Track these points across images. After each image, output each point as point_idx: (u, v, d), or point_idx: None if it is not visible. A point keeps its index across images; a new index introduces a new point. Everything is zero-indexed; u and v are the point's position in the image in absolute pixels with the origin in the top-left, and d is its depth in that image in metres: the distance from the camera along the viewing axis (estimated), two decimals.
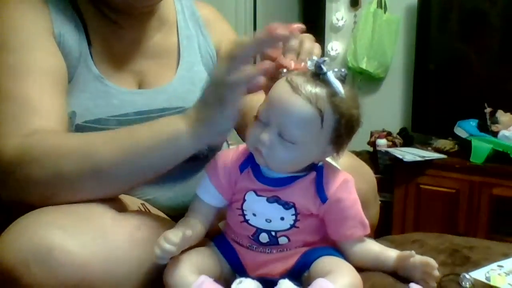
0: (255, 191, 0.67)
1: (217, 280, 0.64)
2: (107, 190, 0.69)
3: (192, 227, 0.66)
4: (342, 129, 0.63)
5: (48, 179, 0.66)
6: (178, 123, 0.68)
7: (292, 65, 0.66)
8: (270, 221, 0.67)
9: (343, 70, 0.64)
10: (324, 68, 0.62)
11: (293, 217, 0.67)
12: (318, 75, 0.62)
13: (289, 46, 0.68)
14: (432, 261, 0.67)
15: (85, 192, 0.68)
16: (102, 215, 0.65)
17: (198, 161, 0.89)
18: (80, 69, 0.82)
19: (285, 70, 0.66)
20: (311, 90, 0.61)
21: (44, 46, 0.78)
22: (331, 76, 0.61)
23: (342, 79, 0.63)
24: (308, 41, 0.70)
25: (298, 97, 0.61)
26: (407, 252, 0.69)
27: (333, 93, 0.61)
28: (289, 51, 0.68)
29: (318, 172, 0.67)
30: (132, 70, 0.88)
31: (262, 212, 0.67)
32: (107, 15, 0.86)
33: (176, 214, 0.78)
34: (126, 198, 0.78)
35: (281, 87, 0.63)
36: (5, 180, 0.69)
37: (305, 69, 0.64)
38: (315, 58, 0.63)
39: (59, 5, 0.82)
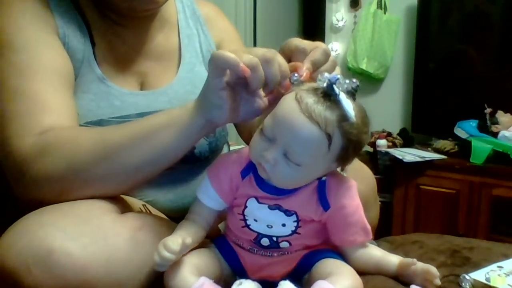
0: (256, 198, 0.66)
1: (217, 281, 0.64)
2: (120, 179, 0.69)
3: (192, 232, 0.65)
4: (349, 151, 0.62)
5: (62, 171, 0.67)
6: (189, 103, 0.69)
7: (304, 74, 0.64)
8: (272, 227, 0.66)
9: (354, 81, 0.61)
10: (337, 90, 0.59)
11: (295, 224, 0.66)
12: (329, 95, 0.59)
13: (314, 57, 0.66)
14: (433, 270, 0.67)
15: (99, 183, 0.68)
16: (103, 216, 0.65)
17: (199, 163, 0.89)
18: (83, 70, 0.82)
19: (295, 76, 0.64)
20: (321, 113, 0.58)
21: (51, 44, 0.78)
22: (344, 98, 0.59)
23: (354, 92, 0.61)
24: (331, 62, 0.69)
25: (307, 120, 0.58)
26: (409, 260, 0.69)
27: (343, 117, 0.59)
28: (311, 62, 0.66)
29: (320, 180, 0.66)
30: (135, 71, 0.88)
31: (264, 219, 0.66)
32: (109, 17, 0.86)
33: (176, 216, 0.78)
34: (127, 199, 0.78)
35: (289, 105, 0.60)
36: (20, 178, 0.70)
37: (313, 80, 0.62)
38: (327, 75, 0.60)
39: (61, 7, 0.82)
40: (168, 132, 0.67)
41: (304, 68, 0.65)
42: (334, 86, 0.59)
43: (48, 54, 0.77)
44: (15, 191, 0.72)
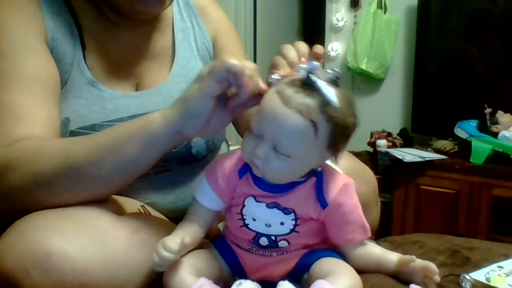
0: (254, 197, 0.66)
1: (217, 282, 0.64)
2: (90, 190, 0.68)
3: (191, 232, 0.65)
4: (338, 136, 0.62)
5: (27, 184, 0.66)
6: (154, 113, 0.68)
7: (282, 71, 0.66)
8: (270, 225, 0.66)
9: (336, 69, 0.62)
10: (314, 78, 0.60)
11: (293, 222, 0.66)
12: (308, 84, 0.60)
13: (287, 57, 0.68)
14: (433, 266, 0.67)
15: (66, 195, 0.67)
16: (100, 218, 0.65)
17: (196, 163, 0.88)
18: (73, 74, 0.80)
19: (274, 75, 0.64)
20: (302, 101, 0.59)
21: (36, 51, 0.76)
22: (322, 85, 0.60)
23: (335, 81, 0.62)
24: (302, 46, 0.70)
25: (289, 110, 0.59)
26: (408, 257, 0.69)
27: (325, 103, 0.60)
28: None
29: (318, 177, 0.66)
30: (130, 73, 0.87)
31: (262, 217, 0.66)
32: (105, 15, 0.84)
33: (176, 217, 0.78)
34: (125, 201, 0.78)
35: (271, 100, 0.61)
36: None
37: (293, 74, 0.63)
38: (303, 65, 0.62)
39: (53, 8, 0.80)
40: (132, 145, 0.66)
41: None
42: (311, 75, 0.60)
43: (31, 62, 0.75)
44: None
